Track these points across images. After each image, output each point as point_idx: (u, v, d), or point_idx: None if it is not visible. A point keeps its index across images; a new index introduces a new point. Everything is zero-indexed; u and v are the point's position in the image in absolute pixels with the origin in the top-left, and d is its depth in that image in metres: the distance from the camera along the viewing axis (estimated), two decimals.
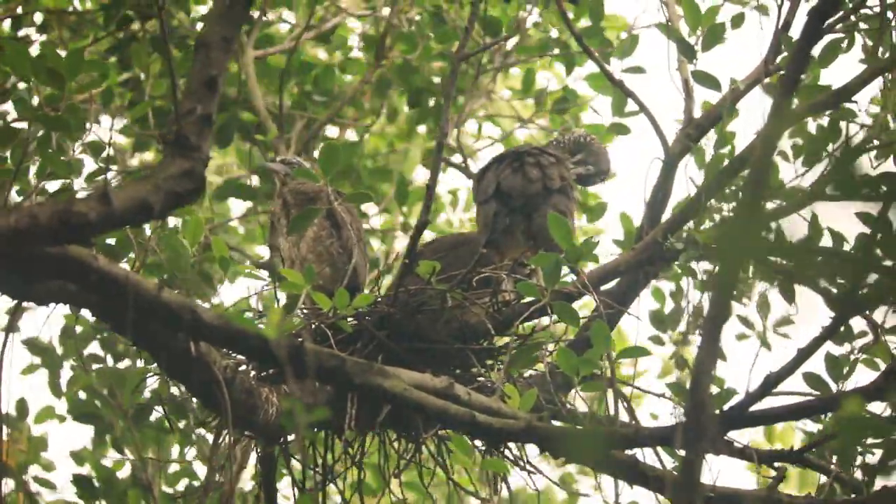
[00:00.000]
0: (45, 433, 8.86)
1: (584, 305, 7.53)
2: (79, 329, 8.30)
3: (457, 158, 10.40)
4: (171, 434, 7.96)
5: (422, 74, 10.01)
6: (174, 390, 7.01)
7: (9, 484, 8.35)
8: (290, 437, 6.70)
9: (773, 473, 6.38)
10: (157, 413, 8.07)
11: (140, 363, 8.33)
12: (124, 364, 8.43)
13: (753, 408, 5.89)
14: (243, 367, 6.51)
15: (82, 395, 8.39)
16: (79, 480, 8.48)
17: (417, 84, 10.03)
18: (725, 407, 5.91)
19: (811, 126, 7.76)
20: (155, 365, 6.46)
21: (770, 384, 5.86)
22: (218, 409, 6.32)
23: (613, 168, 7.61)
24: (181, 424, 7.51)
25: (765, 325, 7.92)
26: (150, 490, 8.40)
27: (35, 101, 5.72)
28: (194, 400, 7.00)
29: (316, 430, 6.73)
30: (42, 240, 5.09)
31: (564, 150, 7.54)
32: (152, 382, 6.97)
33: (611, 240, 10.27)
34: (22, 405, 8.58)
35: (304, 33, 9.97)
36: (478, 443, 6.60)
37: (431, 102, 10.13)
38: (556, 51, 9.83)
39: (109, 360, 8.41)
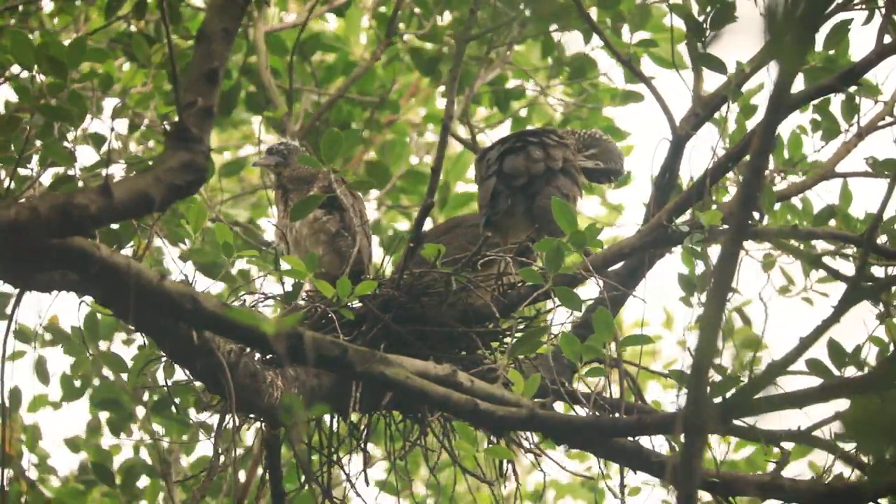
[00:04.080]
0: (37, 422, 8.89)
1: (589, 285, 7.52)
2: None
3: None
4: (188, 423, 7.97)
5: (432, 49, 9.95)
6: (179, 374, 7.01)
7: (10, 473, 8.37)
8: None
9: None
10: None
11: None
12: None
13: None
14: (248, 351, 6.51)
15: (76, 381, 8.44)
16: (97, 468, 8.53)
17: (429, 55, 9.98)
18: (728, 395, 5.87)
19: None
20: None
21: (774, 372, 5.82)
22: (222, 393, 6.33)
23: (625, 169, 7.54)
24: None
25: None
26: (167, 475, 8.43)
27: (38, 89, 5.71)
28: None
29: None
30: (43, 232, 5.09)
31: (578, 143, 7.48)
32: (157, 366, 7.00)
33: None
34: (15, 394, 8.58)
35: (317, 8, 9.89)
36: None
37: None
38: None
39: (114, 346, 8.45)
